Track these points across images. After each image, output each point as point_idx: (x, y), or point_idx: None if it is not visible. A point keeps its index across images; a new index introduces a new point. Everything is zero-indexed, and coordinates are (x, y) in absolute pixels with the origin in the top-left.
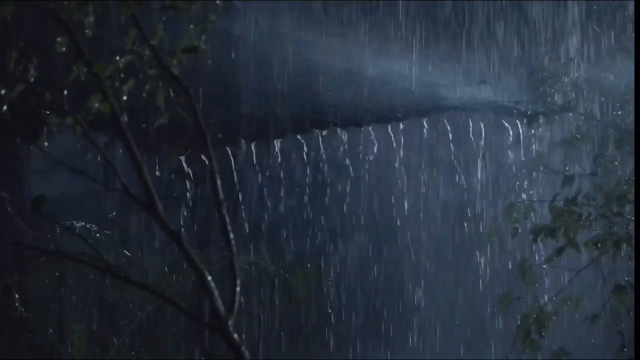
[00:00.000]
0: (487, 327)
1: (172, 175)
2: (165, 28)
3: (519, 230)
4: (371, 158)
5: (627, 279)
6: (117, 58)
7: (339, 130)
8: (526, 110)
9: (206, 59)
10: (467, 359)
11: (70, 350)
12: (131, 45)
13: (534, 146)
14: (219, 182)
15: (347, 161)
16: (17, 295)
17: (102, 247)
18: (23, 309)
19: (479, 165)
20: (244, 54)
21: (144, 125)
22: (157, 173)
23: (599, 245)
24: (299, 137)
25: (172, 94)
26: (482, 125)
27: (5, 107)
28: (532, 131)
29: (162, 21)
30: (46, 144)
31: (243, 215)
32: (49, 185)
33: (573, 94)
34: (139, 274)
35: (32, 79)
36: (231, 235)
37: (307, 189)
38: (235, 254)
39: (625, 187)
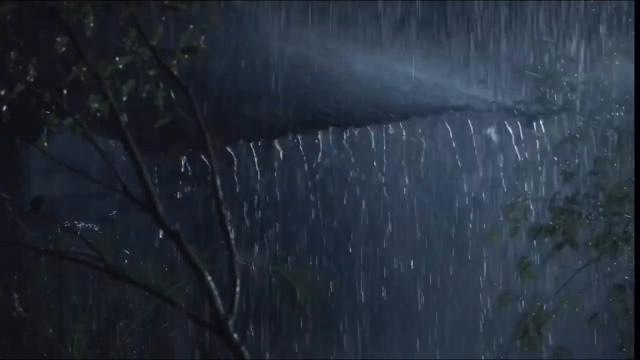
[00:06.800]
0: (486, 325)
1: (174, 177)
2: (165, 28)
3: (518, 230)
4: (371, 158)
5: (627, 278)
6: (117, 58)
7: (339, 130)
8: (526, 110)
9: (206, 59)
10: (467, 358)
11: (70, 350)
12: (131, 45)
13: (533, 146)
14: (218, 182)
15: (348, 161)
16: (17, 295)
17: (102, 247)
18: (23, 309)
19: (479, 165)
20: (245, 54)
21: (144, 126)
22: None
23: (598, 244)
24: (299, 137)
25: (172, 94)
26: (482, 125)
27: (5, 107)
28: (532, 131)
29: (162, 21)
30: (46, 144)
31: (244, 215)
32: (49, 185)
33: (573, 95)
34: (139, 274)
35: (32, 79)
36: (231, 235)
37: (307, 190)
38: (235, 254)
39: (625, 187)
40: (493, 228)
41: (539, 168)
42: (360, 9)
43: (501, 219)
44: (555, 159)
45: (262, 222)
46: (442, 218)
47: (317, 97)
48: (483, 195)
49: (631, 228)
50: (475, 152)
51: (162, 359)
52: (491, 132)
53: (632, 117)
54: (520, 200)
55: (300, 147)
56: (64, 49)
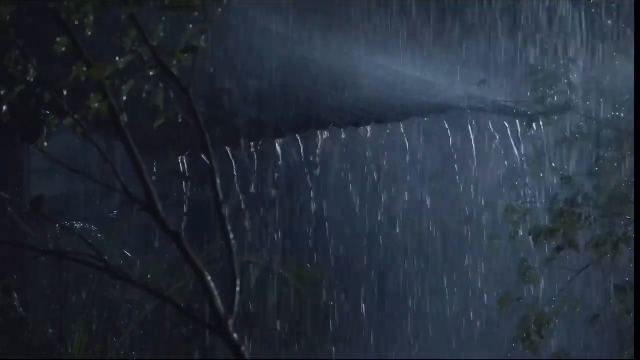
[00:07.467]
0: (487, 328)
1: (173, 176)
2: (165, 28)
3: (520, 232)
4: (371, 158)
5: (627, 279)
6: (117, 58)
7: (339, 130)
8: (526, 110)
9: (206, 59)
10: (467, 359)
11: (70, 350)
12: (131, 45)
13: (534, 146)
14: (218, 182)
15: (348, 161)
16: (17, 295)
17: (102, 247)
18: (23, 309)
19: (479, 165)
20: (244, 54)
21: (144, 126)
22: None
23: (599, 246)
24: (298, 137)
25: (172, 94)
26: (482, 125)
27: (5, 107)
28: (533, 131)
29: (162, 21)
30: (46, 144)
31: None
32: (49, 185)
33: (573, 95)
34: (139, 274)
35: (32, 79)
36: (231, 235)
37: (307, 190)
38: (234, 254)
39: (625, 188)
40: (493, 232)
41: (540, 168)
42: (360, 9)
43: (499, 221)
44: (556, 159)
45: (262, 222)
46: (442, 218)
47: (317, 97)
48: (482, 196)
49: (631, 229)
50: (475, 153)
51: (162, 359)
52: (491, 132)
53: (632, 117)
54: (519, 202)
55: (300, 147)
56: (64, 49)
